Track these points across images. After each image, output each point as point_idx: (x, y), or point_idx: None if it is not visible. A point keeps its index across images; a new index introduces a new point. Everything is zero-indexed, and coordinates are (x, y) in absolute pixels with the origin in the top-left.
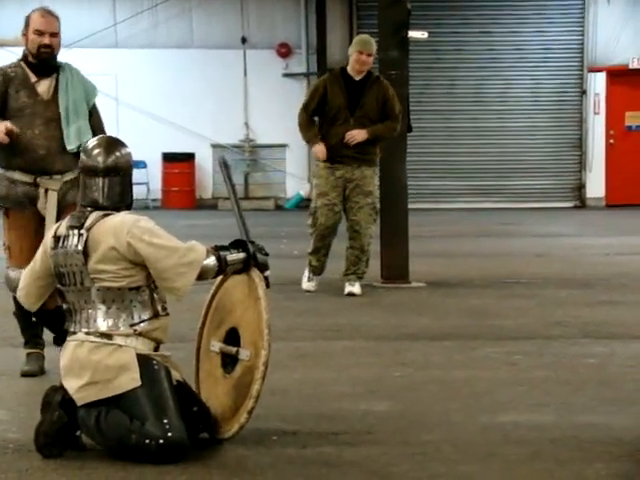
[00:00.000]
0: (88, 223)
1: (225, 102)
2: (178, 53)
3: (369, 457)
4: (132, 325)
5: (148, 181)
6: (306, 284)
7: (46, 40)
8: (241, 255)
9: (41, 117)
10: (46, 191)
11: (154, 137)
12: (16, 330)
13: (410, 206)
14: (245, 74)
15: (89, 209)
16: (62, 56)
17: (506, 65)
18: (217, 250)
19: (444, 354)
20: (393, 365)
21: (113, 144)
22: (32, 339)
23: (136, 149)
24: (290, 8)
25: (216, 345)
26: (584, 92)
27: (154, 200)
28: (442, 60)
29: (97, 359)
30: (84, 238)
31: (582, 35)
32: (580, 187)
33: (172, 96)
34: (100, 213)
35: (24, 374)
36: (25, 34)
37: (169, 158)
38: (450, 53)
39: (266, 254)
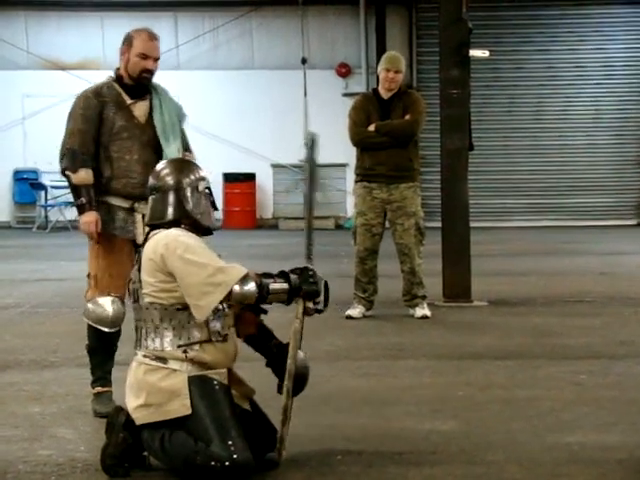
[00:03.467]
0: (146, 240)
1: (285, 122)
2: (239, 74)
3: (433, 477)
4: (180, 346)
5: None
6: (349, 310)
7: (150, 65)
8: (285, 286)
9: (138, 141)
10: (143, 217)
11: (215, 158)
12: (84, 350)
13: (471, 225)
14: (305, 94)
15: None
16: None
17: (566, 83)
18: (261, 277)
19: (507, 373)
20: (456, 384)
21: (163, 165)
22: (103, 376)
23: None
24: (350, 28)
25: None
26: None
27: (216, 220)
28: (502, 78)
29: (151, 381)
30: (140, 254)
31: None
32: None
33: (233, 117)
34: (156, 231)
35: (98, 415)
36: (125, 54)
37: (230, 178)
38: (510, 71)
39: (314, 282)
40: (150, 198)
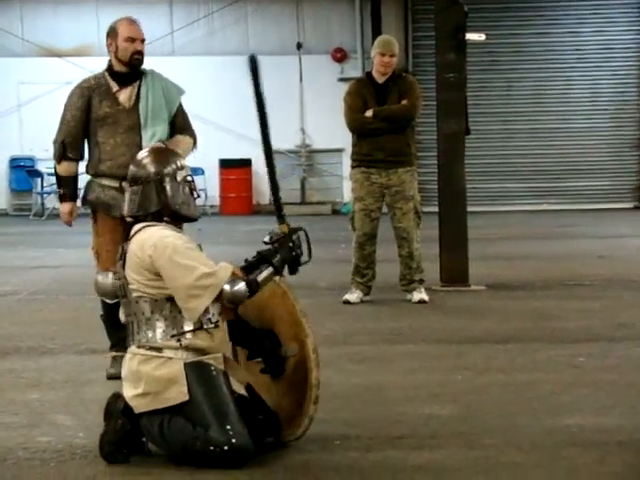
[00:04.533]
0: (131, 235)
1: (281, 108)
2: (234, 60)
3: (433, 461)
4: (174, 336)
5: (206, 188)
6: (347, 295)
7: (138, 46)
8: (270, 270)
9: (122, 126)
10: None
11: (211, 144)
12: (82, 337)
13: (468, 209)
14: (301, 80)
15: (130, 219)
16: None
17: (565, 66)
18: (246, 272)
19: (506, 357)
20: (455, 369)
21: (144, 155)
22: (117, 342)
23: (193, 156)
24: (345, 13)
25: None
26: None
27: (212, 207)
28: (499, 62)
29: (146, 371)
30: (125, 250)
31: None
32: (639, 187)
33: (228, 103)
34: (141, 225)
35: (110, 377)
36: (112, 43)
37: (226, 164)
38: (508, 55)
39: (292, 249)
40: (129, 190)
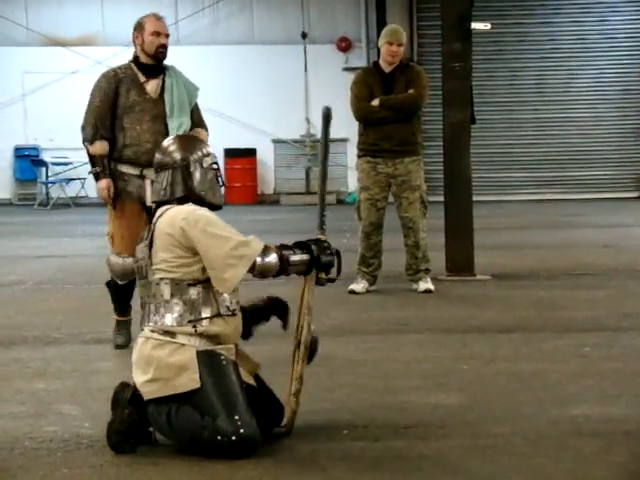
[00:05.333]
0: (155, 217)
1: (286, 97)
2: (239, 49)
3: (440, 450)
4: (191, 321)
5: None
6: (353, 285)
7: (163, 40)
8: (305, 257)
9: (149, 114)
10: (152, 182)
11: (216, 133)
12: (88, 327)
13: (473, 198)
14: (305, 69)
15: (154, 205)
16: (125, 55)
17: (569, 55)
18: (281, 249)
19: (512, 347)
20: (461, 358)
21: (170, 141)
22: (122, 308)
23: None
24: (350, 2)
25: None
26: None
27: (221, 196)
28: (504, 51)
29: (159, 356)
30: (151, 231)
31: None
32: None
33: (233, 92)
34: (167, 206)
35: (118, 347)
36: (139, 36)
37: (231, 154)
38: (512, 44)
39: (331, 253)
40: (156, 175)
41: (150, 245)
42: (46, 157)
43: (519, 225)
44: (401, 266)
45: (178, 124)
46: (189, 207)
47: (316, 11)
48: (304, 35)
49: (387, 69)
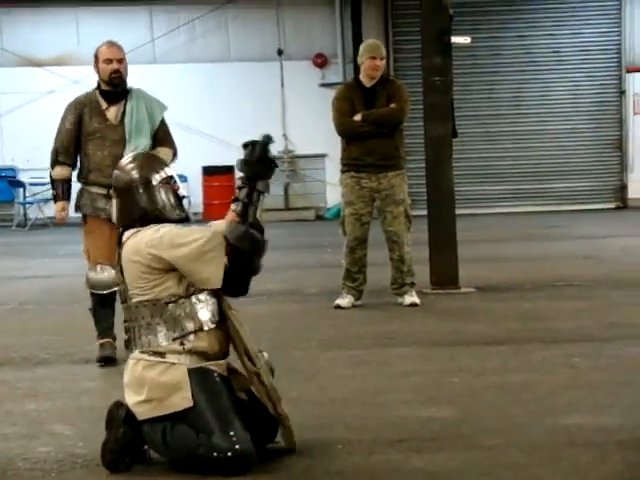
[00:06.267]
0: (122, 241)
1: (263, 114)
2: (215, 67)
3: (436, 463)
4: (176, 339)
5: (189, 195)
6: (338, 300)
7: (115, 66)
8: (242, 193)
9: (109, 140)
10: None
11: (194, 151)
12: (75, 346)
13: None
14: (282, 85)
15: (121, 229)
16: None
17: (544, 68)
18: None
19: (500, 359)
20: (450, 371)
21: (119, 165)
22: (105, 331)
23: (176, 163)
24: (325, 18)
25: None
26: (623, 92)
27: (195, 214)
28: (480, 65)
29: (151, 377)
30: (120, 256)
31: (619, 35)
32: (622, 188)
33: (211, 110)
34: (132, 231)
35: (100, 359)
36: (96, 66)
37: (209, 171)
38: (488, 58)
39: (254, 162)
40: (114, 201)
41: (121, 271)
42: (23, 177)
43: (499, 238)
44: (386, 280)
45: (133, 147)
46: (149, 230)
47: (292, 28)
48: (280, 52)
49: (368, 84)
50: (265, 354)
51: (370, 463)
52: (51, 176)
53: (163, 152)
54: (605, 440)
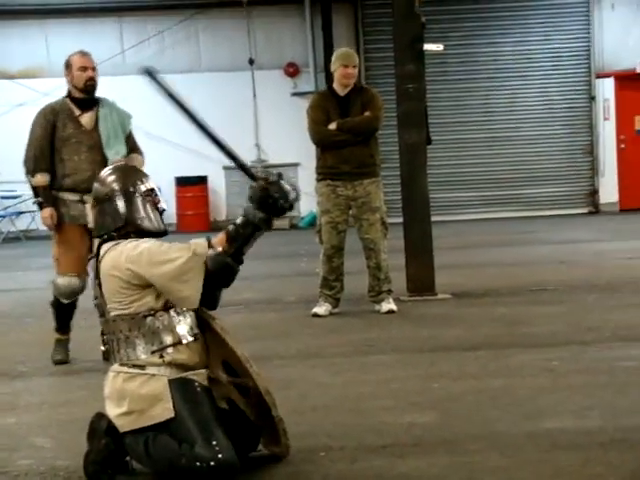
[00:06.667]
0: (101, 255)
1: (235, 124)
2: (186, 77)
3: (419, 469)
4: (155, 352)
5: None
6: (316, 308)
7: (90, 74)
8: (240, 220)
9: (85, 145)
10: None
11: (167, 162)
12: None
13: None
14: (254, 95)
15: (98, 240)
16: None
17: (514, 75)
18: (232, 241)
19: (479, 364)
20: (430, 377)
21: (103, 173)
22: (63, 327)
23: (149, 175)
24: (296, 27)
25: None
26: (593, 98)
27: (169, 224)
28: (451, 72)
29: (131, 389)
30: (98, 270)
31: (588, 42)
32: (593, 193)
33: (182, 121)
34: (111, 243)
35: (56, 363)
36: (69, 74)
37: (182, 182)
38: (458, 65)
39: (282, 197)
40: (94, 210)
41: (100, 285)
42: None
43: (473, 244)
44: (363, 288)
45: (114, 152)
46: (130, 245)
47: (262, 37)
48: (251, 61)
49: (342, 92)
50: None
51: (354, 470)
52: (32, 184)
53: (138, 159)
54: (587, 443)
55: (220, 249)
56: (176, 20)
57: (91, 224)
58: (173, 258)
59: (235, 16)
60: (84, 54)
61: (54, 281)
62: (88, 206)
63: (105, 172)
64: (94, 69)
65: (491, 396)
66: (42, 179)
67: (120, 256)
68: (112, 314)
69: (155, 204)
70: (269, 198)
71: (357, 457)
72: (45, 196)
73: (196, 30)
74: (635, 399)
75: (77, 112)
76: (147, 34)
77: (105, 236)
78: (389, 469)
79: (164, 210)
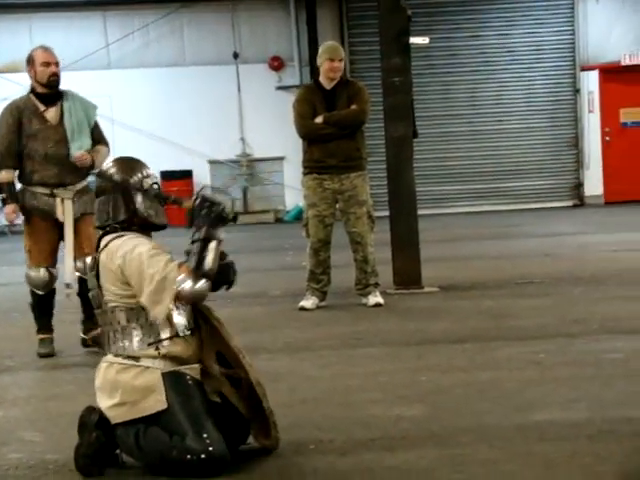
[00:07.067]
0: (101, 245)
1: (220, 118)
2: (171, 71)
3: (408, 462)
4: (151, 344)
5: None
6: (303, 302)
7: (53, 69)
8: (209, 244)
9: (51, 140)
10: (62, 200)
11: (151, 156)
12: None
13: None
14: (239, 89)
15: (100, 231)
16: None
17: (499, 68)
18: (197, 266)
19: (466, 357)
20: (418, 370)
21: (109, 165)
22: (44, 326)
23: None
24: (281, 21)
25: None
26: (577, 91)
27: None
28: (435, 66)
29: (125, 380)
30: (97, 260)
31: (573, 34)
32: (578, 185)
33: (167, 114)
34: (111, 236)
35: (42, 356)
36: (32, 69)
37: (167, 176)
38: (443, 58)
39: (213, 205)
40: (97, 201)
41: (97, 275)
42: None
43: (458, 237)
44: (350, 281)
45: (78, 146)
46: (129, 241)
47: (247, 31)
48: (236, 55)
49: (328, 86)
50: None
51: (343, 463)
52: None
53: (103, 150)
54: (574, 434)
55: (183, 275)
56: (161, 14)
57: (61, 217)
58: (152, 275)
59: (220, 10)
60: (46, 49)
61: (26, 273)
62: (58, 200)
63: (108, 165)
64: (57, 64)
65: (479, 389)
66: (7, 175)
67: (117, 251)
68: (110, 305)
69: (159, 198)
70: (201, 211)
71: (346, 450)
72: (9, 192)
73: (181, 24)
74: (621, 391)
75: (42, 108)
76: (132, 28)
77: (107, 228)
78: (378, 462)
79: (166, 203)
